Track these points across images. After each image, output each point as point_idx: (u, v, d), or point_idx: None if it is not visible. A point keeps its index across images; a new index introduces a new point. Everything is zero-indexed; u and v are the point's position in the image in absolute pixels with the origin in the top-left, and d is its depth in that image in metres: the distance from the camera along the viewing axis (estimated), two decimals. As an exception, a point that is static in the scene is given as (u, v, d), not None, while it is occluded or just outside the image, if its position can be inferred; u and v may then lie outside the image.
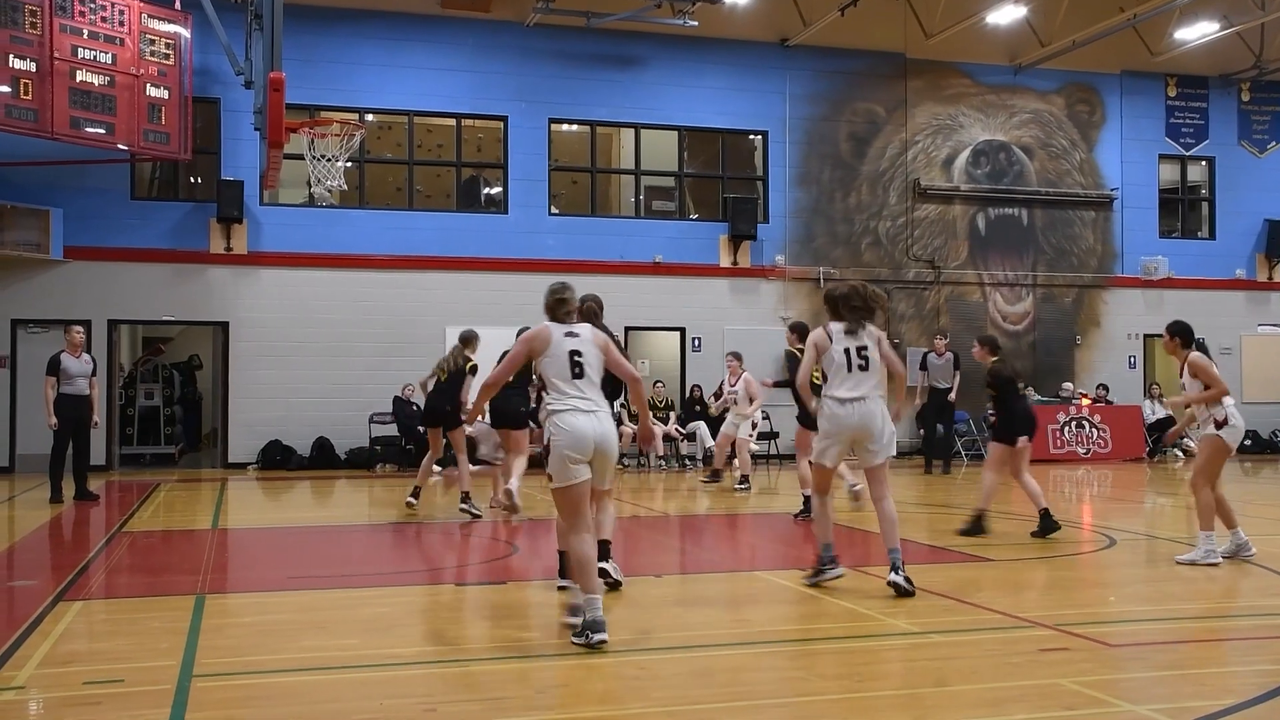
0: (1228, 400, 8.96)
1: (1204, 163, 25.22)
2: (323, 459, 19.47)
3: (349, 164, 16.83)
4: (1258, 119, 25.41)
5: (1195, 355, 9.15)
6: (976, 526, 10.72)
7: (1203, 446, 9.15)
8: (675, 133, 22.00)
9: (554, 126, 21.46)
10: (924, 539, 11.13)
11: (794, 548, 10.78)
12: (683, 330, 21.56)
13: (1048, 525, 10.55)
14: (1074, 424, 21.67)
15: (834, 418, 7.86)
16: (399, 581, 8.58)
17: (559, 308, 6.89)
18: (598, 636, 6.10)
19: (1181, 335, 9.34)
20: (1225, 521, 9.13)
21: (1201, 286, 24.45)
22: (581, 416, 6.50)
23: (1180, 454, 22.51)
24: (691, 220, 22.29)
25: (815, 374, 8.39)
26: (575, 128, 21.98)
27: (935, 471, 18.71)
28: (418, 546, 10.95)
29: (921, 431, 20.50)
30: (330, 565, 9.34)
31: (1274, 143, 25.45)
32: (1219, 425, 8.98)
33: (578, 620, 6.28)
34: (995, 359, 11.37)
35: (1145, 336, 24.40)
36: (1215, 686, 5.54)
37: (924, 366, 19.04)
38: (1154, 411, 22.90)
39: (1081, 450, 21.57)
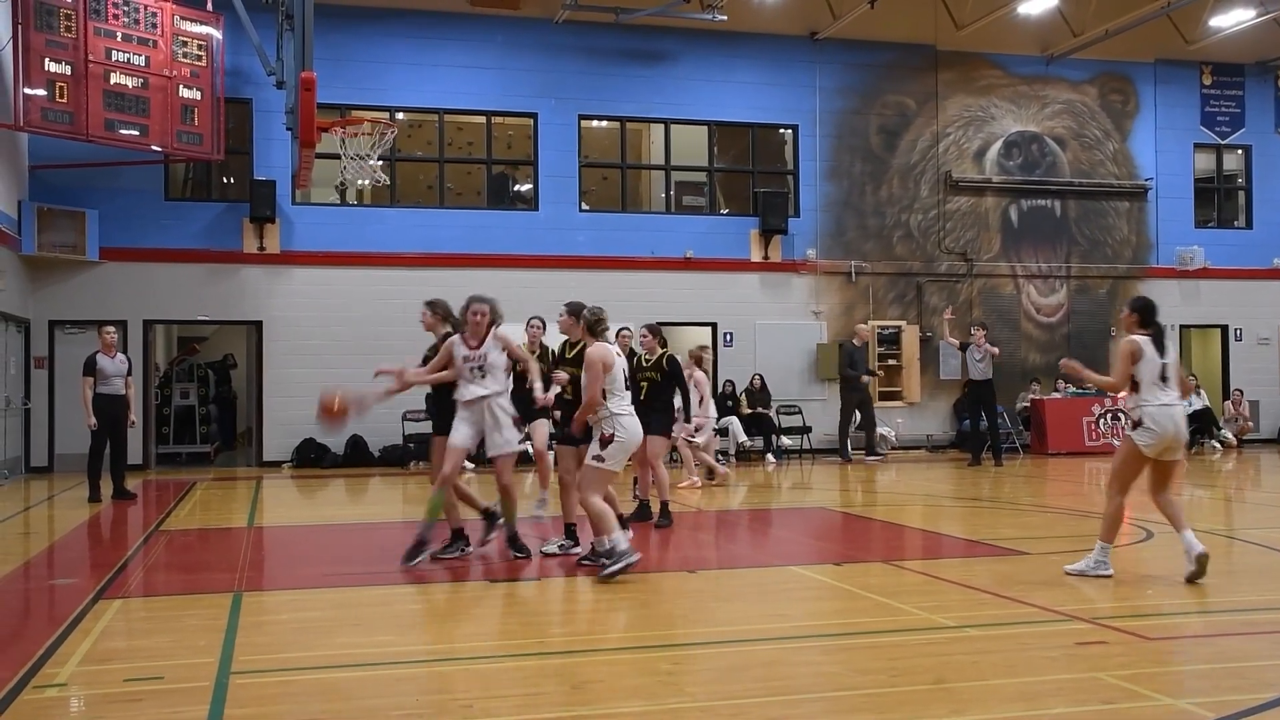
0: (1149, 398, 7.88)
1: (1240, 151, 24.95)
2: (356, 457, 19.57)
3: (380, 162, 16.91)
4: (1295, 106, 25.13)
5: (1126, 340, 8.10)
6: (666, 515, 11.17)
7: (1119, 447, 8.27)
8: (705, 128, 21.97)
9: (584, 123, 21.47)
10: (960, 533, 11.09)
11: (827, 542, 10.76)
12: (714, 325, 21.53)
13: (659, 514, 11.13)
14: (1109, 416, 21.49)
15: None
16: (434, 578, 8.60)
17: (597, 327, 8.63)
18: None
19: (1140, 313, 8.14)
20: (1105, 533, 8.12)
21: (1238, 276, 24.21)
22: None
23: (1218, 445, 22.32)
24: (722, 215, 22.25)
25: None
26: (605, 124, 21.98)
27: (986, 464, 18.62)
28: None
29: (965, 424, 20.43)
30: (365, 562, 9.38)
31: (1312, 130, 25.17)
32: (1134, 426, 7.98)
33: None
34: (665, 350, 11.41)
35: (1181, 328, 24.17)
36: (1255, 680, 5.48)
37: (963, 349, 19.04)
38: (1190, 403, 22.68)
39: (1117, 442, 21.31)
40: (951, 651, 6.02)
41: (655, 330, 11.51)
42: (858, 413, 20.34)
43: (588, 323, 8.77)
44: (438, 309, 9.74)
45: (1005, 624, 6.69)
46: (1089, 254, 23.69)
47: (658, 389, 11.18)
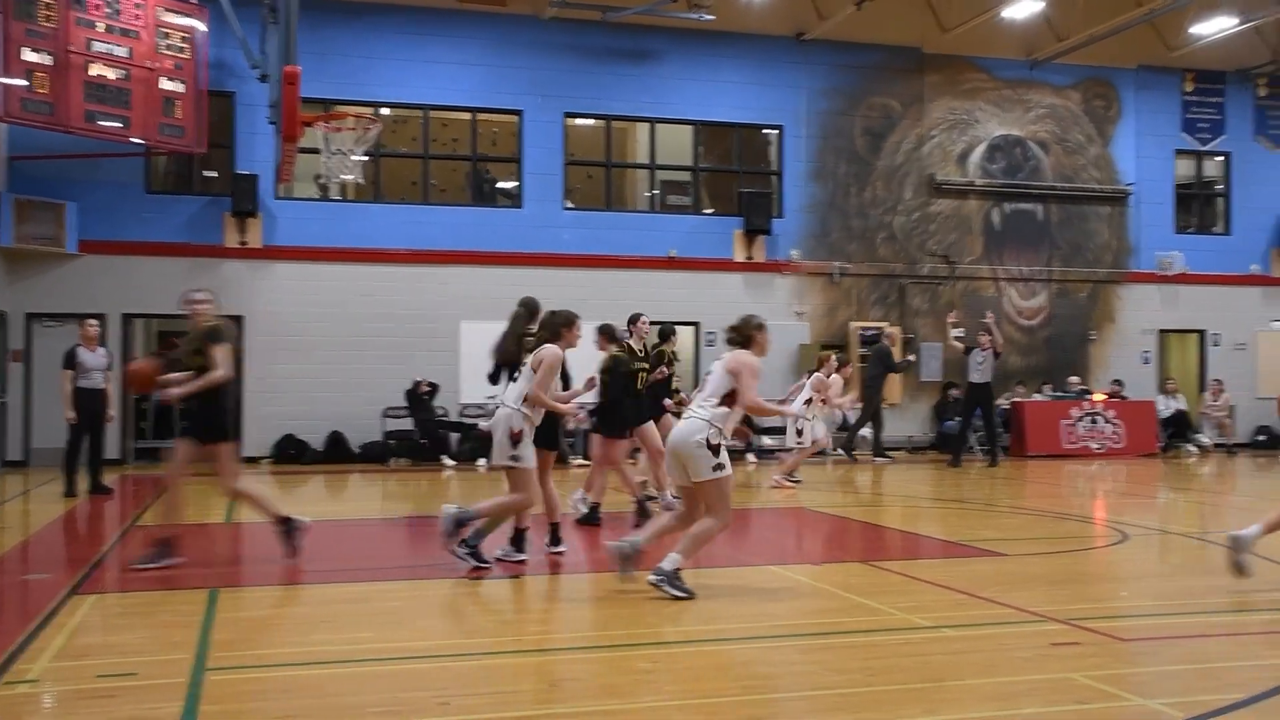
0: None
1: (1220, 158, 25.08)
2: (336, 453, 19.50)
3: (364, 158, 16.86)
4: (1274, 114, 25.24)
5: None
6: (594, 515, 11.06)
7: None
8: (690, 127, 21.97)
9: (569, 121, 21.45)
10: (938, 534, 11.13)
11: (807, 542, 10.78)
12: (697, 325, 21.54)
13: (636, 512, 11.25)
14: (1088, 419, 21.59)
15: None
16: (411, 575, 8.59)
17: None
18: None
19: None
20: None
21: (1217, 282, 24.34)
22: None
23: (1194, 449, 22.41)
24: (706, 215, 22.25)
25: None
26: (590, 122, 21.96)
27: (968, 466, 18.81)
28: (430, 540, 10.95)
29: (950, 423, 20.50)
30: (342, 559, 9.36)
31: (1291, 138, 25.33)
32: None
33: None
34: (616, 349, 11.28)
35: (1160, 332, 24.32)
36: (1227, 681, 5.51)
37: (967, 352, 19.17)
38: (1168, 407, 22.82)
39: (1095, 445, 21.49)
40: (928, 651, 6.05)
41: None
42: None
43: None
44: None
45: (981, 624, 6.72)
46: (1070, 258, 23.78)
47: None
